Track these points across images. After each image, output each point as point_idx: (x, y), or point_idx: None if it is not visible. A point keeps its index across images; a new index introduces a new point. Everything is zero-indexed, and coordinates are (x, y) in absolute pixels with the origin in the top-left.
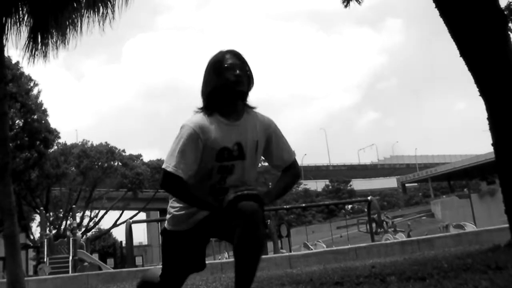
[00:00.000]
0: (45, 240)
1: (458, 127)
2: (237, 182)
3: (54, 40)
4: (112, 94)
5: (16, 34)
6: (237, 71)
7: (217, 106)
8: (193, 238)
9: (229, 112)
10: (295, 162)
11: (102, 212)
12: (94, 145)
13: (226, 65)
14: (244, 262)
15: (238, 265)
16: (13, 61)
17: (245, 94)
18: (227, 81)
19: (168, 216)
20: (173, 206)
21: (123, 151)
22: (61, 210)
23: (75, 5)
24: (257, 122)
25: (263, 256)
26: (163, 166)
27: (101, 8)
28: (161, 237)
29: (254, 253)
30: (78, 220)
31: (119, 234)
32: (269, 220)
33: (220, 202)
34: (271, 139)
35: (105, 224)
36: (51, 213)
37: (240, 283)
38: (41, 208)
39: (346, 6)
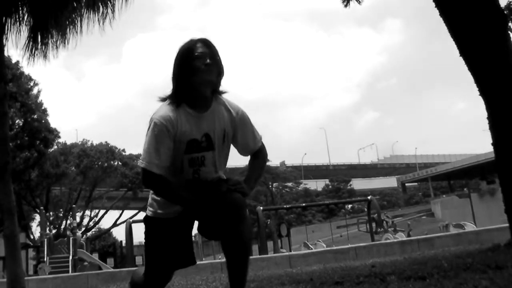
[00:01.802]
0: (45, 239)
1: (458, 126)
2: (211, 173)
3: (54, 39)
4: (112, 94)
5: (16, 33)
6: (208, 60)
7: (186, 96)
8: (177, 225)
9: (197, 102)
10: (261, 148)
11: (102, 211)
12: (94, 144)
13: (196, 54)
14: (233, 259)
15: (229, 262)
16: (13, 61)
17: (214, 84)
18: (197, 71)
19: (149, 202)
20: (154, 194)
21: (123, 150)
22: (61, 209)
23: (75, 4)
24: (225, 112)
25: (263, 256)
26: (139, 164)
27: (101, 7)
28: (144, 226)
29: (241, 249)
30: (78, 219)
31: (119, 233)
32: (269, 220)
33: (199, 197)
34: (238, 128)
35: (105, 223)
36: (51, 213)
37: (234, 280)
38: (41, 207)
39: (346, 6)
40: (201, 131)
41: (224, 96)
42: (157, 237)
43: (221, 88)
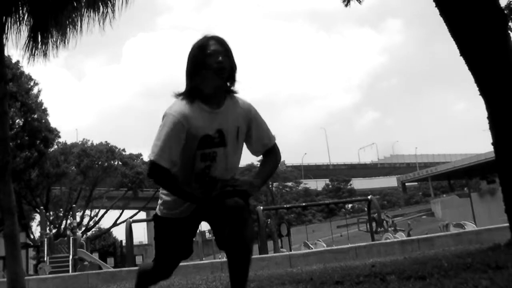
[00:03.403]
0: (45, 239)
1: (458, 126)
2: (222, 170)
3: (54, 39)
4: (112, 94)
5: (16, 33)
6: (220, 58)
7: (199, 93)
8: (185, 225)
9: (211, 99)
10: (275, 146)
11: (102, 211)
12: (94, 144)
13: (209, 52)
14: (235, 260)
15: (231, 263)
16: (13, 61)
17: (227, 81)
18: (209, 68)
19: (160, 201)
20: (164, 192)
21: (123, 150)
22: (61, 209)
23: (75, 4)
24: (238, 109)
25: (264, 256)
26: (149, 156)
27: (101, 7)
28: (154, 222)
29: (243, 250)
30: (78, 219)
31: (119, 233)
32: (269, 220)
33: (205, 194)
34: (251, 125)
35: (105, 223)
36: (51, 212)
37: (235, 281)
38: (41, 207)
39: (346, 6)
40: (214, 127)
41: (236, 95)
42: (165, 235)
43: (232, 88)
